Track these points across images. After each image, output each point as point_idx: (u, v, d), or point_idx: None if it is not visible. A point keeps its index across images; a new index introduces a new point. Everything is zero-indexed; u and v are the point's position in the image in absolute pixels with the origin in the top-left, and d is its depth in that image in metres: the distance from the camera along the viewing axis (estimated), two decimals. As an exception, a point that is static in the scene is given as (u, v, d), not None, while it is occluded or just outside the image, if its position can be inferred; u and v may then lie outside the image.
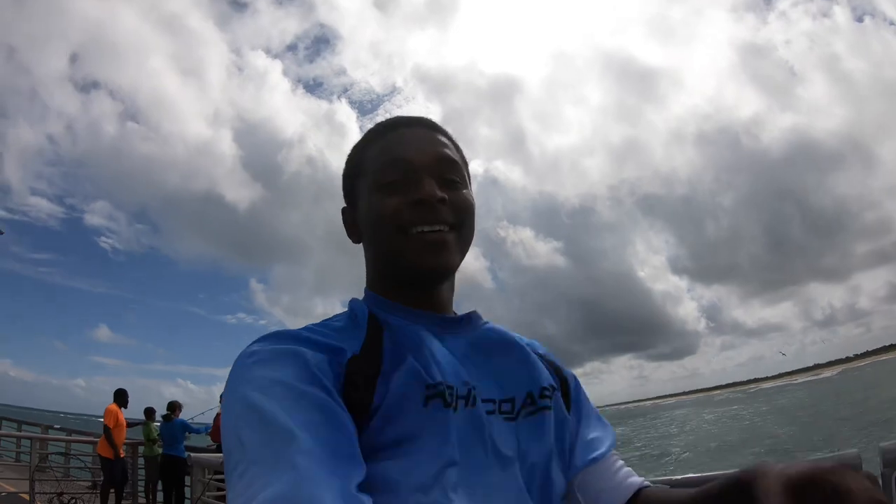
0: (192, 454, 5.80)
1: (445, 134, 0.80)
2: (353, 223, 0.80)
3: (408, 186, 0.72)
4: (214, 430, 6.99)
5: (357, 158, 0.80)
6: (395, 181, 0.72)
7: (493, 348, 0.76)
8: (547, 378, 0.77)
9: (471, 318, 0.79)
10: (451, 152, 0.77)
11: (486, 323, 0.80)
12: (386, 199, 0.72)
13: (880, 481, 1.60)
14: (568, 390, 0.81)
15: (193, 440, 7.56)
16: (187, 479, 6.46)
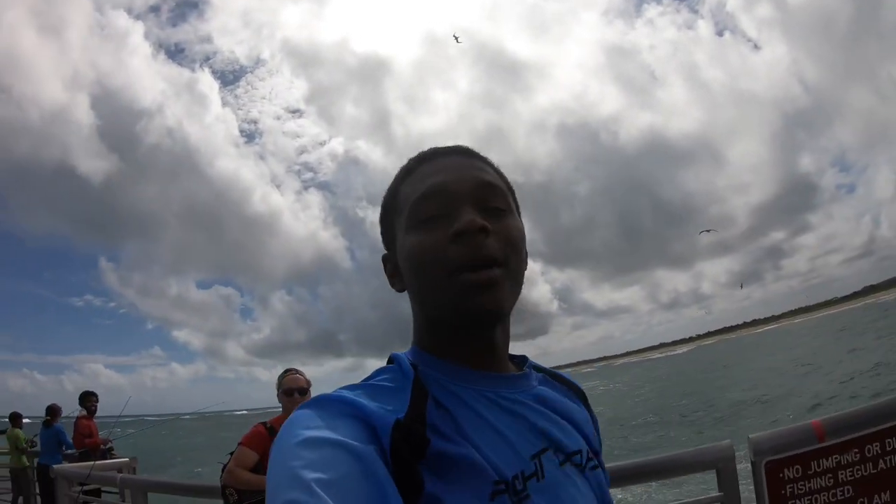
0: (53, 466, 5.14)
1: (485, 160, 0.72)
2: (395, 270, 0.71)
3: (446, 220, 0.63)
4: (77, 436, 6.24)
5: (391, 198, 0.72)
6: (431, 216, 0.64)
7: (555, 403, 0.69)
8: (592, 432, 0.73)
9: (528, 376, 0.70)
10: (491, 177, 0.68)
11: (534, 370, 0.73)
12: (423, 237, 0.64)
13: (751, 469, 1.86)
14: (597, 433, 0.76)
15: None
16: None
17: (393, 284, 0.72)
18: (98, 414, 6.62)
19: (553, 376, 0.75)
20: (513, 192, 0.73)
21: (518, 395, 0.66)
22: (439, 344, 0.67)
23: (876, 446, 1.70)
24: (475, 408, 0.62)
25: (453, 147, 0.72)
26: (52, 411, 6.77)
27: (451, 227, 0.62)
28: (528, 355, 0.76)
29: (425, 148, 0.73)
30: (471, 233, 0.61)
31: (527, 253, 0.70)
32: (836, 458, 1.73)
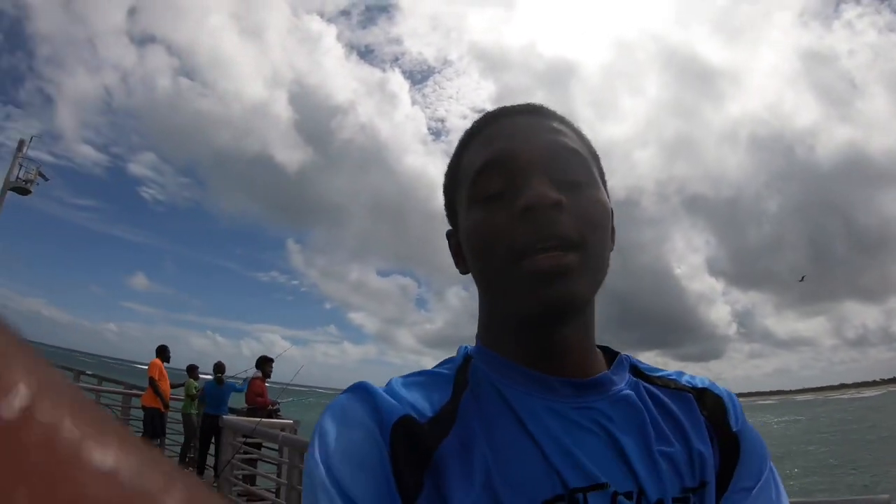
0: (224, 417, 6.00)
1: (562, 120, 0.60)
2: (458, 250, 0.61)
3: (512, 193, 0.53)
4: (249, 394, 7.20)
5: (454, 166, 0.62)
6: (495, 190, 0.54)
7: (634, 420, 0.54)
8: (703, 466, 0.55)
9: (604, 381, 0.56)
10: (569, 141, 0.57)
11: (627, 374, 0.59)
12: (485, 215, 0.54)
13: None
14: (736, 456, 0.57)
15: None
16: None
17: (457, 265, 0.62)
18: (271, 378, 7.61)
19: (658, 381, 0.60)
20: (597, 160, 0.61)
21: (587, 399, 0.54)
22: (502, 340, 0.57)
23: None
24: (520, 416, 0.52)
25: (526, 105, 0.60)
26: (220, 369, 7.65)
27: (518, 203, 0.52)
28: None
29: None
30: (541, 208, 0.51)
31: (614, 232, 0.59)
32: None
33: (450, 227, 0.64)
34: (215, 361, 7.99)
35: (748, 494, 0.56)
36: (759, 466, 0.58)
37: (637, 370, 0.60)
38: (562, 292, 0.51)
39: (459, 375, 0.56)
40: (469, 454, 0.50)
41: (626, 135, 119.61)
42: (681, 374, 0.63)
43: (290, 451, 4.72)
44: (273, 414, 6.92)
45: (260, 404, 6.95)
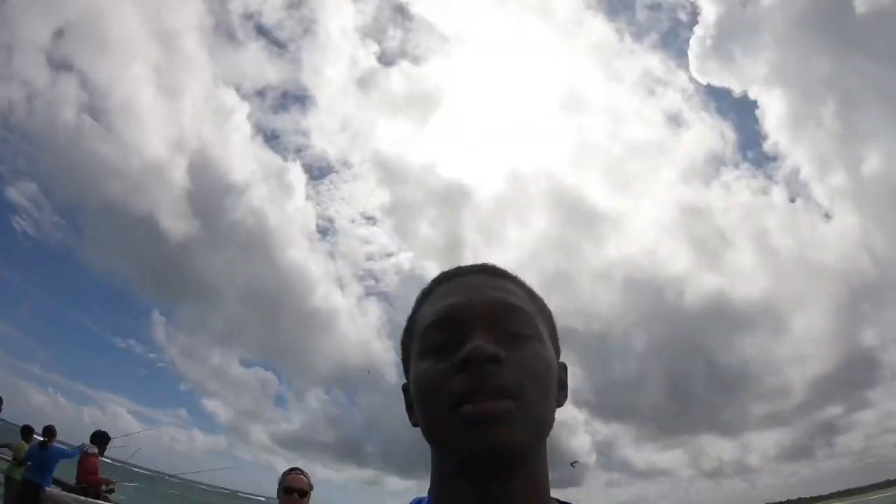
0: (48, 488, 5.56)
1: (513, 279, 0.63)
2: (411, 403, 0.61)
3: (456, 346, 0.54)
4: (81, 471, 6.61)
5: (410, 322, 0.64)
6: (441, 343, 0.56)
7: None
8: None
9: None
10: (514, 298, 0.59)
11: None
12: (429, 366, 0.56)
13: None
14: None
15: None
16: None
17: (410, 418, 0.62)
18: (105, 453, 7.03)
19: None
20: (547, 316, 0.63)
21: None
22: (447, 492, 0.56)
23: None
24: None
25: (477, 266, 0.63)
26: (50, 433, 7.13)
27: (458, 355, 0.53)
28: None
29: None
30: (479, 360, 0.52)
31: (566, 386, 0.61)
32: None
33: (405, 382, 0.64)
34: (46, 425, 7.32)
35: None
36: None
37: None
38: (495, 438, 0.50)
39: None
40: None
41: (508, 263, 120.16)
42: None
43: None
44: (103, 495, 6.40)
45: (91, 482, 6.42)
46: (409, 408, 0.61)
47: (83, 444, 6.86)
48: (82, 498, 5.47)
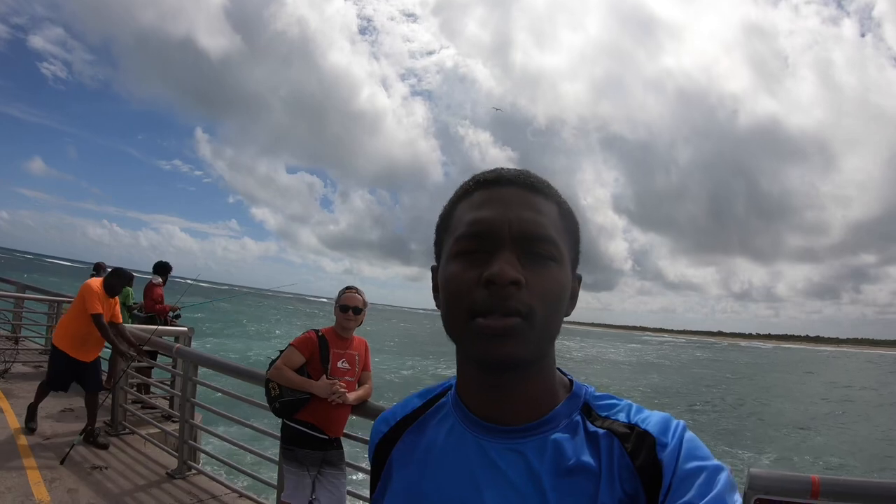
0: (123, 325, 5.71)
1: (548, 195, 0.66)
2: (437, 287, 0.68)
3: (484, 259, 0.61)
4: (148, 301, 6.90)
5: (447, 213, 0.69)
6: (470, 251, 0.62)
7: (547, 470, 0.61)
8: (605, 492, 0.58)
9: (532, 428, 0.64)
10: (545, 220, 0.63)
11: (576, 414, 0.65)
12: (457, 271, 0.62)
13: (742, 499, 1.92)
14: (659, 485, 0.57)
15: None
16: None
17: (435, 299, 0.69)
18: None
19: (599, 421, 0.64)
20: (573, 231, 0.67)
21: (515, 442, 0.63)
22: (463, 378, 0.69)
23: (866, 521, 1.71)
24: (448, 444, 0.67)
25: (516, 175, 0.66)
26: (101, 268, 7.36)
27: (486, 270, 0.60)
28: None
29: (488, 169, 0.68)
30: (500, 282, 0.58)
31: (575, 298, 0.67)
32: (823, 518, 1.76)
33: (434, 264, 0.72)
34: (96, 262, 7.49)
35: None
36: (693, 490, 0.55)
37: (588, 408, 0.65)
38: (504, 352, 0.59)
39: (432, 400, 0.73)
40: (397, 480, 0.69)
41: (559, 67, 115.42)
42: (630, 409, 0.65)
43: (184, 363, 4.65)
44: (171, 321, 6.72)
45: (158, 311, 6.70)
46: (436, 289, 0.69)
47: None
48: (151, 326, 5.62)
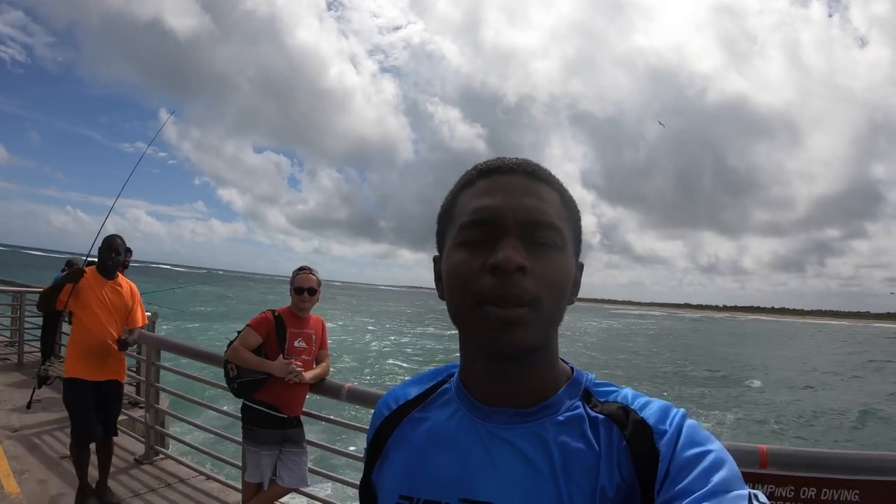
0: None
1: (550, 182, 0.66)
2: (440, 277, 0.69)
3: (489, 246, 0.61)
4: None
5: (449, 203, 0.69)
6: (475, 239, 0.62)
7: (549, 453, 0.62)
8: (604, 500, 0.58)
9: (533, 413, 0.64)
10: (548, 207, 0.63)
11: (576, 400, 0.65)
12: (462, 259, 0.62)
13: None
14: (654, 474, 0.57)
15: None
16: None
17: (438, 288, 0.69)
18: (134, 258, 6.97)
19: (599, 407, 0.65)
20: (575, 219, 0.68)
21: (517, 427, 0.64)
22: (466, 364, 0.69)
23: (811, 491, 1.76)
24: (449, 428, 0.67)
25: (518, 164, 0.66)
26: (72, 265, 7.15)
27: (491, 257, 0.59)
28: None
29: (489, 158, 0.69)
30: (506, 269, 0.58)
31: (578, 285, 0.68)
32: (770, 487, 1.80)
33: (436, 254, 0.72)
34: (67, 259, 7.23)
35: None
36: (693, 476, 0.53)
37: (588, 394, 0.66)
38: (510, 340, 0.59)
39: (435, 386, 0.73)
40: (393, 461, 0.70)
41: (530, 45, 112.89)
42: (627, 396, 0.65)
43: (147, 348, 4.56)
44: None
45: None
46: (439, 279, 0.69)
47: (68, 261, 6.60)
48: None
